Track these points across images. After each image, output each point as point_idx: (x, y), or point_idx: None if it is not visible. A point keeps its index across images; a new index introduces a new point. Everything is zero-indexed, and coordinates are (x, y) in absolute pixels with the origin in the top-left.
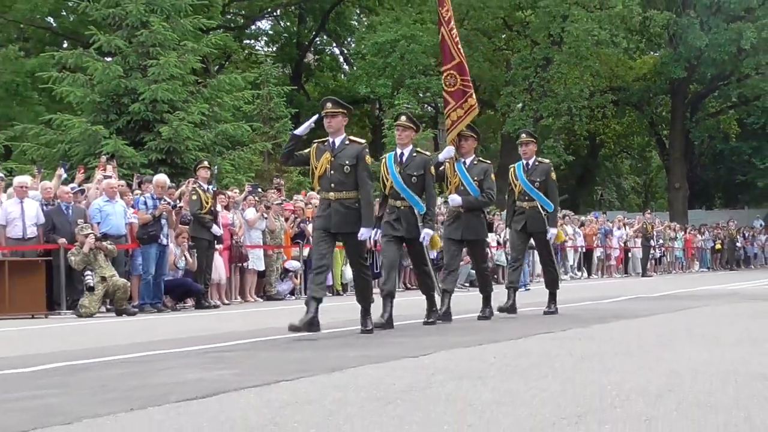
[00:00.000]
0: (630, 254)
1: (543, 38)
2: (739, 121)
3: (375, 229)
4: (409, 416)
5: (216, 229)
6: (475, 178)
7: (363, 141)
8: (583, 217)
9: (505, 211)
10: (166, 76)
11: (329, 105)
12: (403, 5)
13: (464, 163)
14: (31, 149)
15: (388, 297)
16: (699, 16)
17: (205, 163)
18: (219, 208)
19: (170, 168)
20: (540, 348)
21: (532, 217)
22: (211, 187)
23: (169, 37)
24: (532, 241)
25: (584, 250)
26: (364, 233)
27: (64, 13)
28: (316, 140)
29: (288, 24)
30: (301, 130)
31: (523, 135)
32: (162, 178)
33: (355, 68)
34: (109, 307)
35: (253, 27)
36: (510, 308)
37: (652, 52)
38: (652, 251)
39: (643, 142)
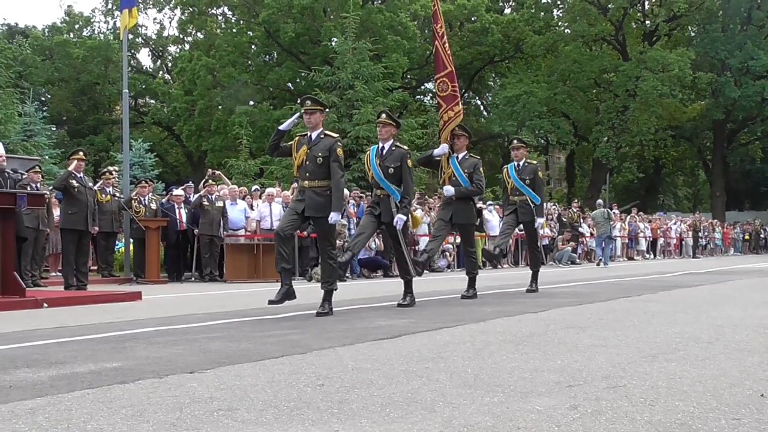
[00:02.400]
0: (683, 242)
1: (622, 92)
2: (763, 149)
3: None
4: (532, 353)
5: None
6: (466, 171)
7: (336, 135)
8: (650, 216)
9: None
10: (365, 121)
11: (308, 103)
12: (524, 71)
13: (457, 157)
14: (277, 170)
15: (348, 254)
16: (733, 76)
17: None
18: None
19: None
20: (622, 307)
21: (522, 208)
22: None
23: (367, 95)
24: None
25: (651, 239)
26: (333, 216)
27: (298, 80)
28: (298, 134)
29: None
30: (284, 126)
31: (515, 141)
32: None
33: (491, 114)
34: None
35: (422, 87)
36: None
37: (699, 101)
38: (700, 240)
39: (693, 164)
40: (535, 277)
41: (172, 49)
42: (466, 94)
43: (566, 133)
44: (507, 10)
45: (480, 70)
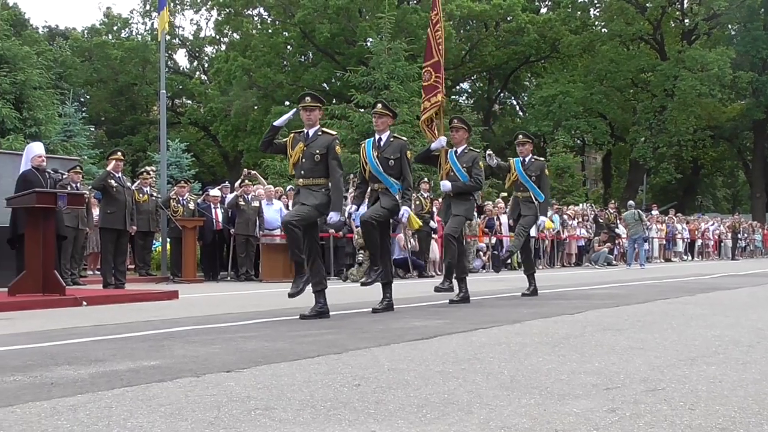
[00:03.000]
0: (722, 244)
1: (660, 92)
2: None
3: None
4: (569, 355)
5: (432, 224)
6: (464, 165)
7: (334, 133)
8: (688, 217)
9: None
10: (401, 121)
11: (308, 99)
12: (560, 71)
13: (456, 151)
14: None
15: (387, 285)
16: None
17: (425, 179)
18: (434, 209)
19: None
20: (659, 309)
21: (526, 205)
22: (428, 195)
23: (402, 95)
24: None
25: (689, 240)
26: (333, 217)
27: (333, 81)
28: (293, 131)
29: (481, 84)
30: (279, 122)
31: (521, 136)
32: None
33: (527, 114)
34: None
35: (457, 87)
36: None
37: (739, 101)
38: (739, 242)
39: (732, 164)
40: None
41: (209, 49)
42: (501, 95)
43: (603, 133)
44: (543, 10)
45: (516, 70)
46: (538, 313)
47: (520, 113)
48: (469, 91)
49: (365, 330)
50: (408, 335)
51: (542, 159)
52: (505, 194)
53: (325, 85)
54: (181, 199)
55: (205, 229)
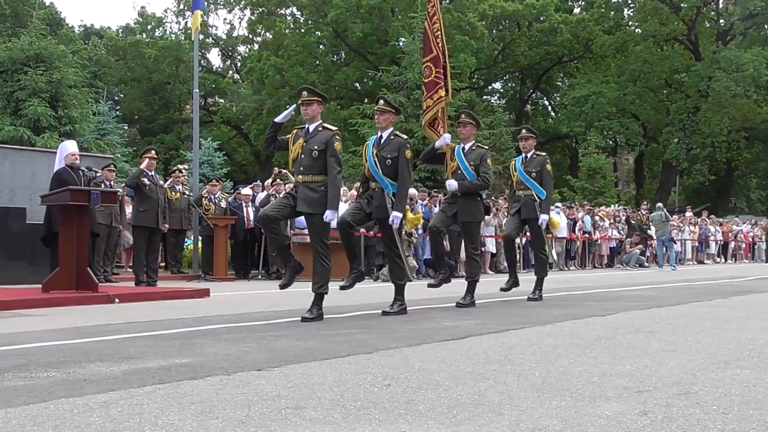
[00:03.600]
0: (755, 246)
1: (694, 93)
2: None
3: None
4: (600, 357)
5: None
6: (472, 163)
7: (335, 128)
8: (722, 219)
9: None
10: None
11: (305, 93)
12: (593, 71)
13: (463, 148)
14: (343, 169)
15: (400, 288)
16: None
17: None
18: None
19: (433, 182)
20: (692, 312)
21: (526, 205)
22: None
23: None
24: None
25: (722, 242)
26: (329, 215)
27: (365, 80)
28: (296, 127)
29: (513, 84)
30: (280, 118)
31: (524, 131)
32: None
33: (559, 114)
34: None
35: (489, 87)
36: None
37: None
38: None
39: (767, 166)
40: (539, 284)
41: (242, 49)
42: (533, 95)
43: (635, 134)
44: (576, 10)
45: (548, 71)
46: (570, 315)
47: (553, 114)
48: (502, 91)
49: (396, 330)
50: (439, 335)
51: (544, 154)
52: None
53: (357, 84)
54: (212, 197)
55: (236, 227)
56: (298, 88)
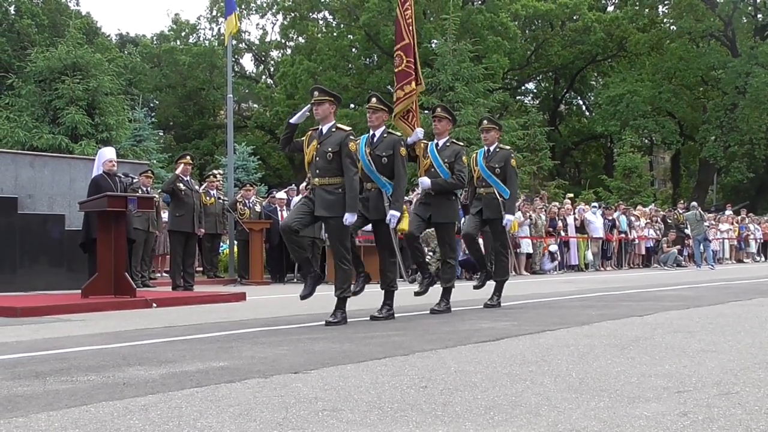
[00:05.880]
0: None
1: (731, 89)
2: None
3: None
4: (639, 357)
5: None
6: (446, 160)
7: (348, 129)
8: (761, 218)
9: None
10: (465, 123)
11: (316, 93)
12: (627, 69)
13: (437, 144)
14: None
15: (389, 293)
16: None
17: None
18: None
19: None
20: (732, 311)
21: (488, 204)
22: None
23: (467, 96)
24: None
25: (762, 240)
26: (348, 218)
27: None
28: (310, 128)
29: (547, 84)
30: (295, 119)
31: (485, 122)
32: None
33: (593, 114)
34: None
35: (523, 87)
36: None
37: None
38: None
39: None
40: (498, 290)
41: (275, 53)
42: (567, 94)
43: (671, 132)
44: (610, 8)
45: (582, 70)
46: (607, 315)
47: (587, 113)
48: (535, 91)
49: (432, 332)
50: (475, 337)
51: (508, 148)
52: (572, 195)
53: (389, 87)
54: (247, 201)
55: (271, 231)
56: (310, 88)
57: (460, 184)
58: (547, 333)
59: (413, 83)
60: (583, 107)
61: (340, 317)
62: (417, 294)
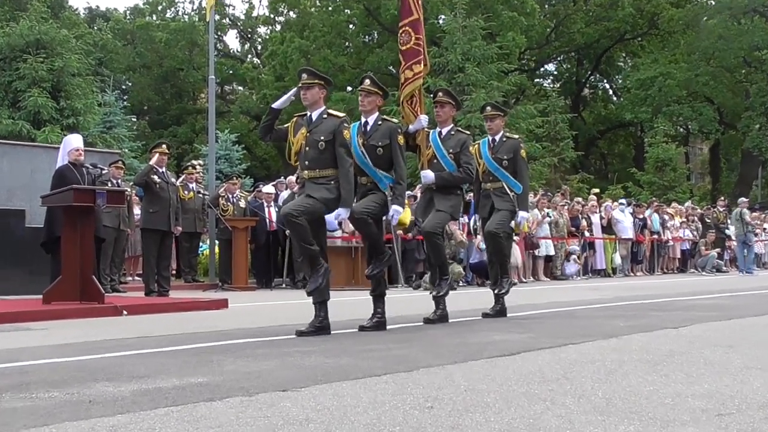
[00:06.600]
0: None
1: None
2: None
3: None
4: (674, 375)
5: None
6: (450, 151)
7: (342, 115)
8: None
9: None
10: (477, 108)
11: (305, 76)
12: (659, 49)
13: (440, 133)
14: None
15: (379, 298)
16: None
17: None
18: None
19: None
20: None
21: (498, 196)
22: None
23: (479, 79)
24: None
25: None
26: (341, 213)
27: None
28: (296, 114)
29: (569, 66)
30: (279, 104)
31: (489, 108)
32: None
33: (621, 99)
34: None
35: (542, 69)
36: (499, 312)
37: None
38: None
39: None
40: (499, 300)
41: (262, 30)
42: (591, 77)
43: (710, 120)
44: None
45: (608, 50)
46: (637, 327)
47: (614, 98)
48: (556, 73)
49: (438, 344)
50: (487, 351)
51: (517, 137)
52: (597, 190)
53: (391, 67)
54: (230, 196)
55: (257, 230)
56: (298, 70)
57: (468, 177)
58: (569, 347)
59: (420, 65)
60: (610, 91)
61: (316, 326)
62: (437, 297)
